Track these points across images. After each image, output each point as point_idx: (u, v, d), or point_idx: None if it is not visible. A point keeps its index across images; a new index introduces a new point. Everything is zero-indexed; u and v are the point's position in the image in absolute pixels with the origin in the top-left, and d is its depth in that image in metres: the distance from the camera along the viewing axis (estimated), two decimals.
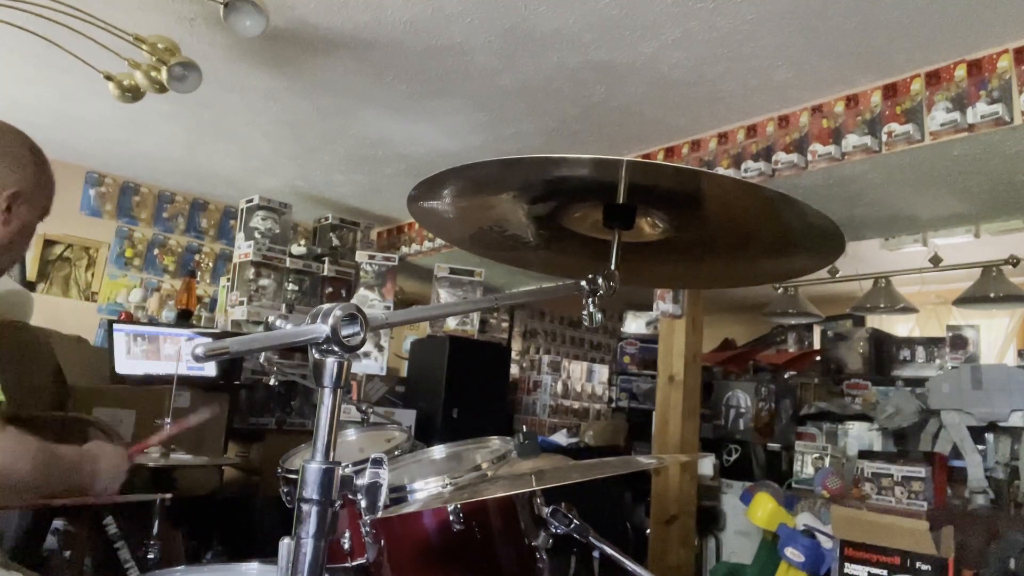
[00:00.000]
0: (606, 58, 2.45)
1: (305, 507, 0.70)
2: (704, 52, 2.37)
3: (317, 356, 0.72)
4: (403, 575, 1.32)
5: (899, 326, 5.32)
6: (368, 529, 1.31)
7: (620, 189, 0.96)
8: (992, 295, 3.62)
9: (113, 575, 2.06)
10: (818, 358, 4.48)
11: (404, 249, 4.59)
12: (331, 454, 0.72)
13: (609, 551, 1.27)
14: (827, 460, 3.27)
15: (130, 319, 3.78)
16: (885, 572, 2.49)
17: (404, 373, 4.19)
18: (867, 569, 2.53)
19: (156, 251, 4.48)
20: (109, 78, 2.32)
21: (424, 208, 1.08)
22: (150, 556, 1.99)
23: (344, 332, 0.70)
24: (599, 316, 1.00)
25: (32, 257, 4.02)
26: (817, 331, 4.88)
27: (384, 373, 3.95)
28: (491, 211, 1.09)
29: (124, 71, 2.31)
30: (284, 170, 3.91)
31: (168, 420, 2.08)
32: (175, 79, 2.19)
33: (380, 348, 3.95)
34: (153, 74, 2.23)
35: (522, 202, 1.04)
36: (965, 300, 3.76)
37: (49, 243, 4.11)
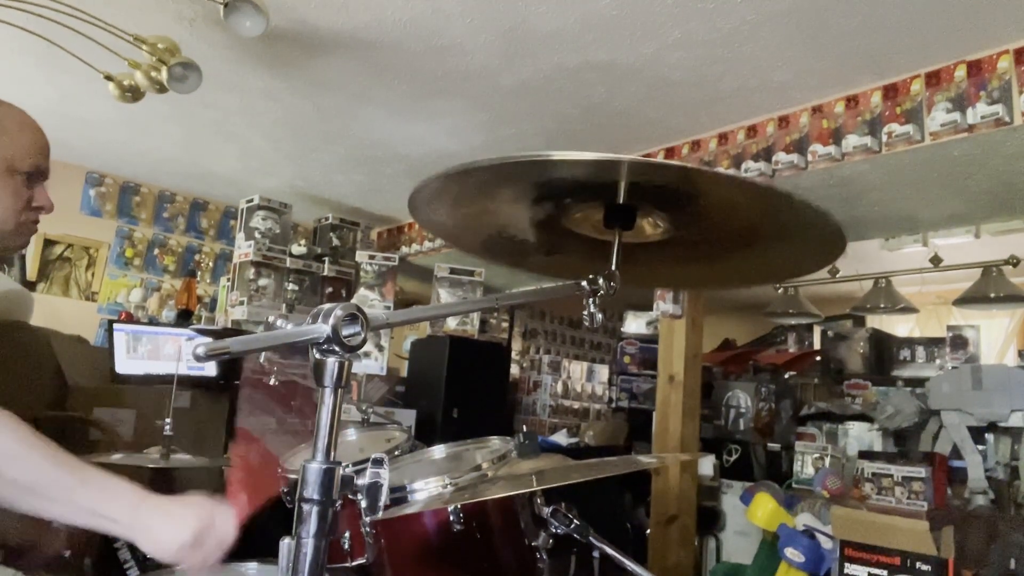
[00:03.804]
0: (606, 58, 2.45)
1: (306, 507, 0.70)
2: (704, 52, 2.37)
3: (318, 356, 0.72)
4: (403, 575, 1.32)
5: (899, 326, 5.33)
6: (368, 529, 1.31)
7: (620, 188, 0.96)
8: (992, 295, 3.62)
9: (113, 575, 2.06)
10: (818, 358, 4.48)
11: (404, 249, 4.59)
12: (332, 454, 0.72)
13: (609, 551, 1.27)
14: (827, 460, 3.28)
15: (130, 319, 3.78)
16: (885, 572, 2.49)
17: (404, 373, 4.19)
18: (867, 569, 2.53)
19: (156, 251, 4.48)
20: (109, 78, 2.32)
21: (429, 214, 1.08)
22: (150, 556, 1.99)
23: (345, 332, 0.71)
24: (600, 316, 1.00)
25: (32, 257, 4.02)
26: (817, 331, 4.88)
27: (384, 373, 3.95)
28: (494, 215, 1.09)
29: (124, 71, 2.31)
30: (284, 170, 3.91)
31: (168, 420, 2.08)
32: (175, 79, 2.19)
33: (380, 348, 3.95)
34: (153, 74, 2.23)
35: (523, 204, 1.04)
36: (965, 300, 3.76)
37: (49, 243, 4.11)
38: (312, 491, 0.70)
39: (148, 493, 1.05)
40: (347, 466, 0.72)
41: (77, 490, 1.00)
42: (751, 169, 2.81)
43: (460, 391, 3.65)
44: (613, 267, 1.02)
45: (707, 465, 3.77)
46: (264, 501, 1.13)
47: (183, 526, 1.01)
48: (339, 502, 0.72)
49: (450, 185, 0.97)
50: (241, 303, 3.80)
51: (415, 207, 1.03)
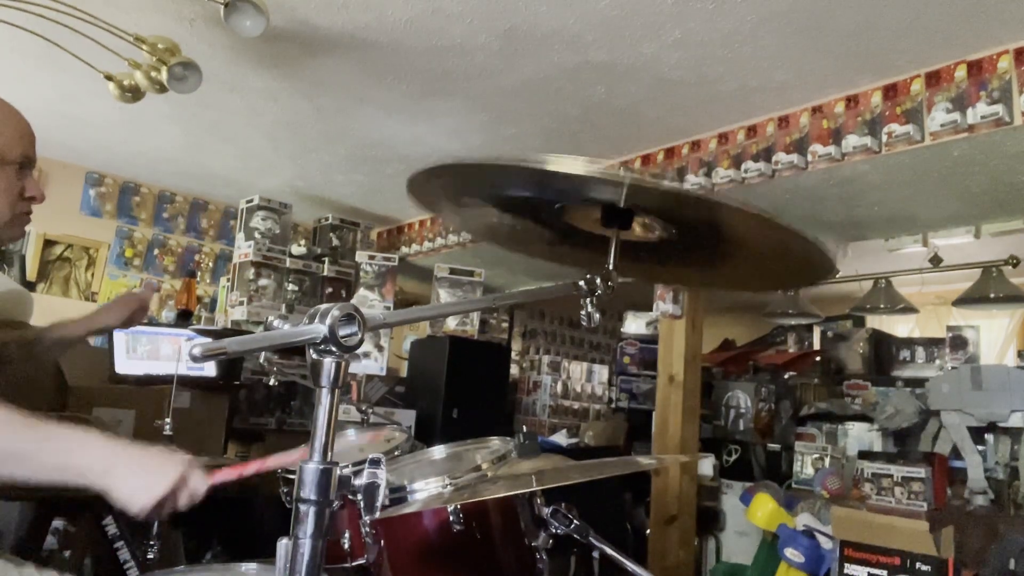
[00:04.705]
0: (606, 58, 2.45)
1: (303, 507, 0.70)
2: (704, 53, 2.37)
3: (315, 356, 0.72)
4: (403, 575, 1.32)
5: (899, 326, 5.32)
6: (368, 529, 1.31)
7: (621, 196, 0.96)
8: (992, 295, 3.62)
9: (113, 575, 2.06)
10: (818, 358, 4.48)
11: (404, 249, 4.59)
12: (329, 454, 0.72)
13: (609, 551, 1.27)
14: (827, 460, 3.28)
15: None
16: (885, 573, 2.49)
17: (404, 373, 4.18)
18: (867, 570, 2.53)
19: (156, 251, 4.48)
20: (109, 78, 2.32)
21: (431, 203, 1.08)
22: (150, 556, 1.99)
23: (342, 332, 0.70)
24: (597, 316, 1.00)
25: (32, 257, 4.02)
26: (817, 331, 4.88)
27: (384, 373, 3.95)
28: (494, 209, 1.09)
29: (124, 71, 2.31)
30: (284, 170, 3.91)
31: (168, 420, 2.08)
32: (175, 79, 2.19)
33: (380, 348, 3.95)
34: (153, 74, 2.23)
35: (521, 199, 1.04)
36: (965, 300, 3.76)
37: (49, 243, 4.11)
38: (309, 491, 0.70)
39: (121, 444, 1.03)
40: (345, 466, 0.72)
41: (42, 446, 0.98)
42: (751, 169, 2.81)
43: (460, 391, 3.65)
44: (611, 266, 1.01)
45: (707, 465, 3.77)
46: (246, 476, 1.10)
47: (159, 482, 0.99)
48: (339, 502, 0.72)
49: (445, 180, 0.97)
50: (241, 303, 3.80)
51: (415, 193, 1.02)
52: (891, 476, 2.75)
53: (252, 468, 1.11)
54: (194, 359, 0.65)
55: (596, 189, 0.96)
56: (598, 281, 0.99)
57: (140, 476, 0.99)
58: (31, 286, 3.91)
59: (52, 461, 0.98)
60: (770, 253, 1.06)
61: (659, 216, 1.01)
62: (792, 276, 1.16)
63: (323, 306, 0.70)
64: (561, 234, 1.15)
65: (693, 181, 3.00)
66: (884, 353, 4.17)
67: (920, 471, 2.71)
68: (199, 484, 1.02)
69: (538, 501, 1.35)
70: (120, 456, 1.01)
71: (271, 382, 3.22)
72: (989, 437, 2.97)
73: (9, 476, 0.98)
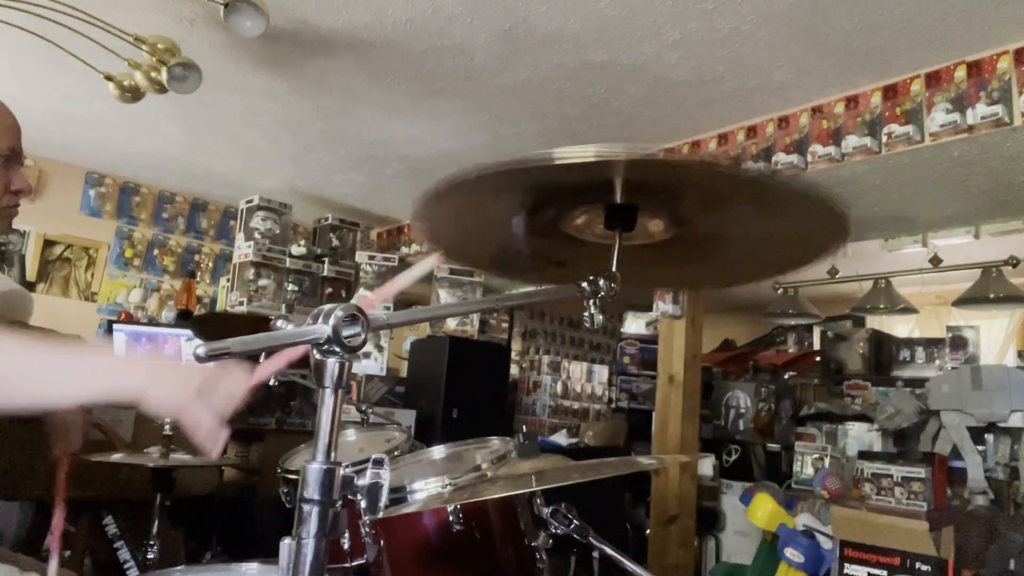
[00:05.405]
0: (606, 59, 2.45)
1: (306, 507, 0.70)
2: (704, 53, 2.37)
3: (318, 357, 0.72)
4: (403, 575, 1.32)
5: (899, 327, 5.33)
6: (368, 529, 1.31)
7: (616, 186, 0.95)
8: (992, 296, 3.62)
9: (113, 575, 2.06)
10: (818, 359, 4.48)
11: (404, 250, 4.59)
12: (332, 454, 0.72)
13: (609, 551, 1.27)
14: (827, 461, 3.28)
15: (130, 319, 3.78)
16: (884, 573, 2.49)
17: (404, 373, 4.18)
18: (867, 570, 2.53)
19: (156, 251, 4.48)
20: (109, 78, 2.32)
21: (436, 234, 1.07)
22: (150, 556, 2.00)
23: (345, 333, 0.70)
24: (600, 318, 1.00)
25: (32, 257, 4.02)
26: (817, 332, 4.89)
27: (384, 373, 3.95)
28: (497, 228, 1.08)
29: (124, 71, 2.31)
30: (284, 170, 3.91)
31: (168, 420, 2.07)
32: (175, 79, 2.20)
33: (380, 348, 3.95)
34: (153, 74, 2.23)
35: (522, 213, 1.03)
36: (965, 301, 3.76)
37: (49, 243, 4.11)
38: (312, 491, 0.70)
39: (147, 360, 1.01)
40: (347, 467, 0.72)
41: (88, 383, 0.93)
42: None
43: (460, 391, 3.65)
44: (613, 268, 1.01)
45: (707, 465, 3.77)
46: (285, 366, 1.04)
47: (187, 379, 0.94)
48: (339, 503, 0.72)
49: (446, 199, 0.96)
50: (241, 303, 3.80)
51: (421, 229, 1.02)
52: (891, 476, 2.76)
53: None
54: (198, 359, 0.65)
55: (592, 180, 0.95)
56: (601, 283, 0.99)
57: (166, 382, 0.94)
58: (31, 286, 3.91)
59: (96, 394, 0.94)
60: (778, 226, 1.03)
61: (659, 205, 1.00)
62: (804, 249, 1.12)
63: (326, 306, 0.70)
64: (566, 253, 1.14)
65: None
66: (884, 353, 4.17)
67: (920, 471, 2.71)
68: (238, 380, 0.96)
69: (538, 501, 1.35)
70: (150, 372, 0.97)
71: (271, 382, 3.21)
72: (989, 437, 2.97)
73: (43, 406, 0.95)
